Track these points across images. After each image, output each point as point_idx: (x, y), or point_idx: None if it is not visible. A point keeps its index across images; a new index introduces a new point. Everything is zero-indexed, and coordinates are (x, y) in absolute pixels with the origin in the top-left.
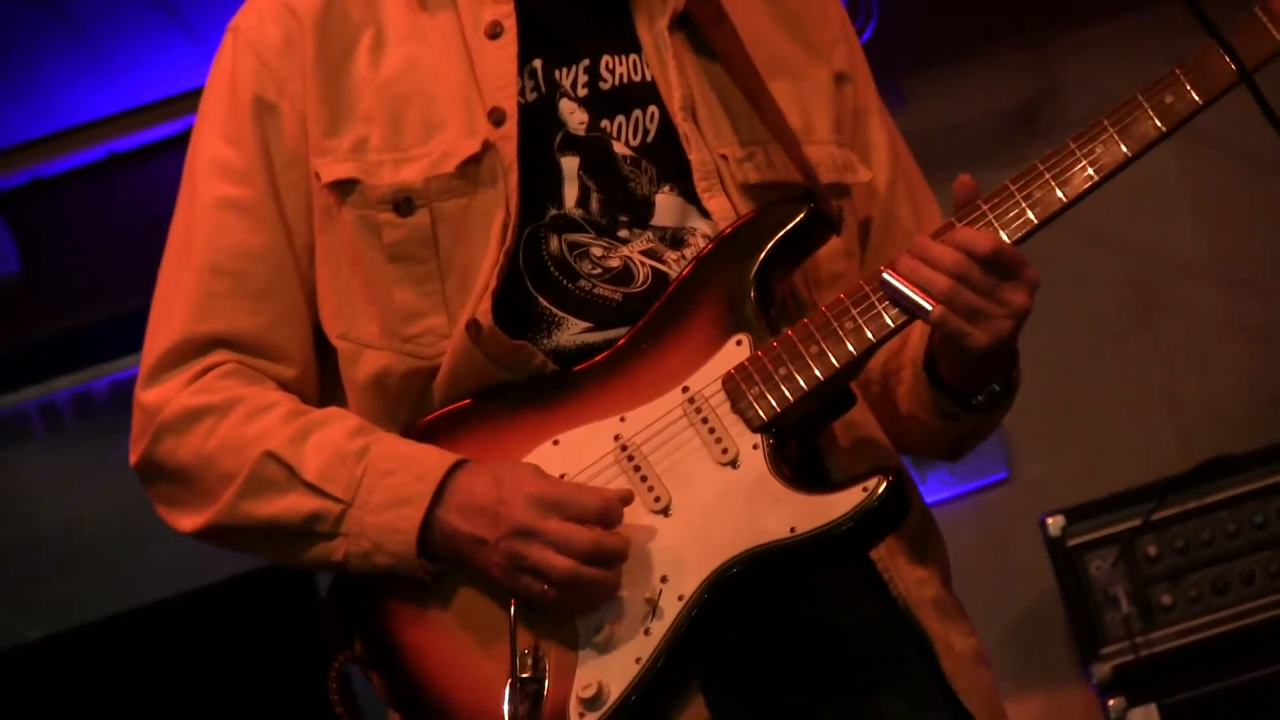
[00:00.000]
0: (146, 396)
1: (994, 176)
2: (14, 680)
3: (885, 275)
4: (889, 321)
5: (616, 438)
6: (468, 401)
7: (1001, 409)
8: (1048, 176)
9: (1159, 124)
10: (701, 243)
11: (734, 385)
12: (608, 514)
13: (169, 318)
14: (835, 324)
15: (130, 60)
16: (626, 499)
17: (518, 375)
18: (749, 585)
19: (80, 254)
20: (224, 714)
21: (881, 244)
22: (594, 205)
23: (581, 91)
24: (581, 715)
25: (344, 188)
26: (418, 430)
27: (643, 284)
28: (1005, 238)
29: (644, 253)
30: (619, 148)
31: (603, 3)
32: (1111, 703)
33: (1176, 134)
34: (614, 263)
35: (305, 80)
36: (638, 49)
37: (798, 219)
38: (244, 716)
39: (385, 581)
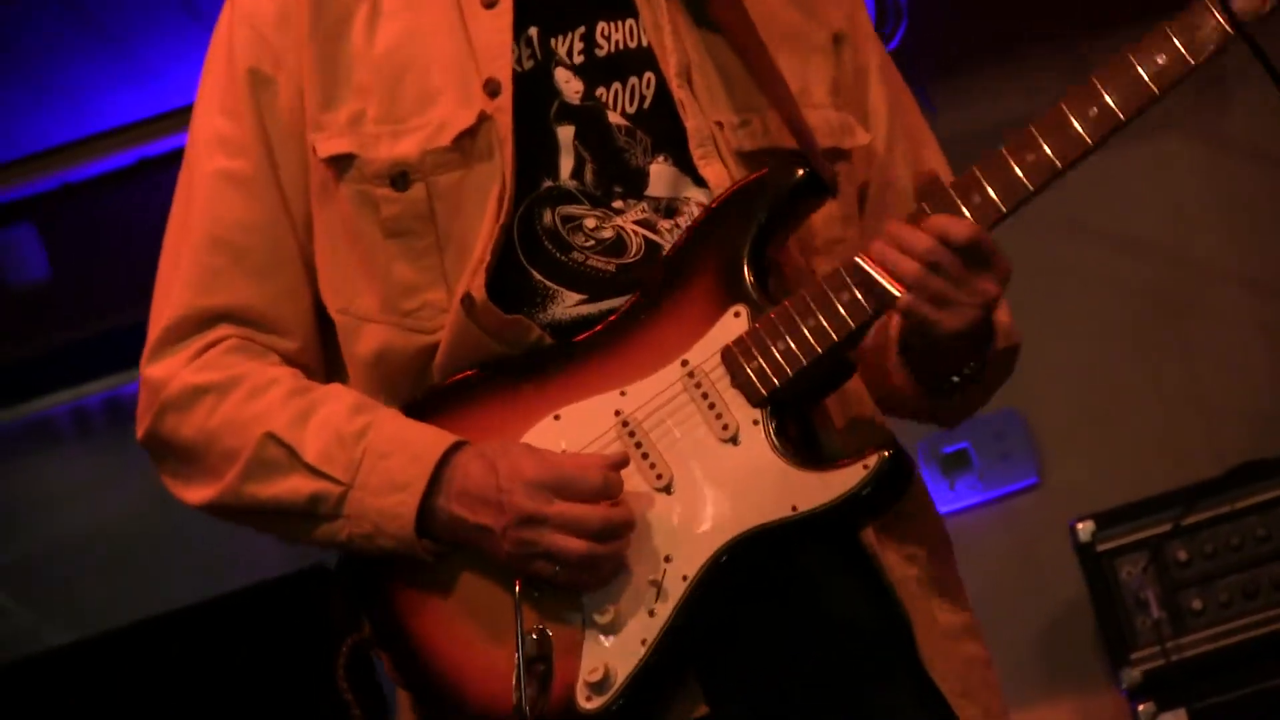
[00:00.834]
0: (151, 372)
1: None
2: (43, 685)
3: (857, 259)
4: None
5: (617, 413)
6: (467, 375)
7: (982, 387)
8: (1011, 161)
9: (1120, 113)
10: (696, 211)
11: (733, 359)
12: (608, 488)
13: (170, 293)
14: (833, 297)
15: (161, 65)
16: (622, 463)
17: (515, 349)
18: (752, 563)
19: (110, 259)
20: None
21: (879, 208)
22: (588, 176)
23: (578, 59)
24: (589, 699)
25: (341, 163)
26: (417, 405)
27: (636, 254)
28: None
29: (637, 223)
30: (614, 117)
31: None
32: (1141, 708)
33: (1203, 139)
34: (607, 233)
35: (301, 53)
36: (634, 14)
37: (792, 183)
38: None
39: (391, 561)
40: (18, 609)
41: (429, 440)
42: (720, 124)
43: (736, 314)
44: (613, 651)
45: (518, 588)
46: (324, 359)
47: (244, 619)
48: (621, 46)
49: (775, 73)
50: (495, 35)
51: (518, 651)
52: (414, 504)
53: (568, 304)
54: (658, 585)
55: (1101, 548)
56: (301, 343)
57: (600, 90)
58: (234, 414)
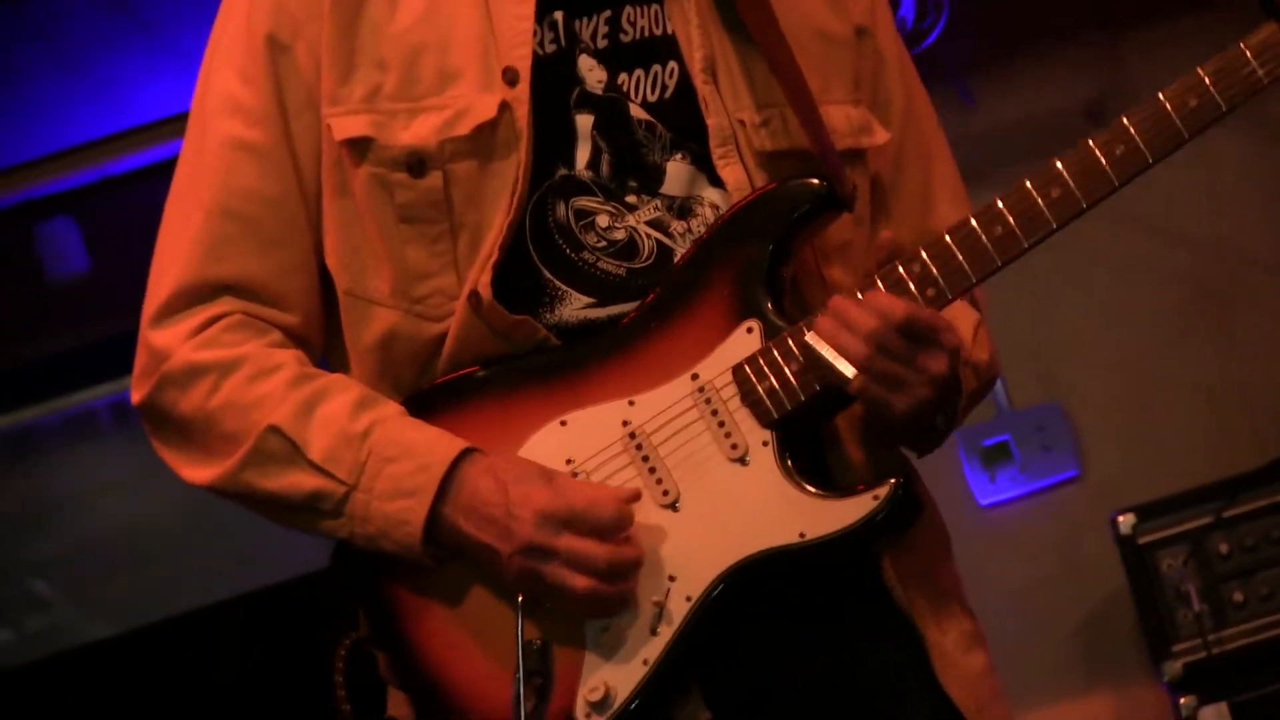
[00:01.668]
0: (153, 337)
1: None
2: (85, 678)
3: (807, 338)
4: None
5: (625, 423)
6: (472, 371)
7: (949, 430)
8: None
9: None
10: (709, 213)
11: (744, 377)
12: (621, 524)
13: (177, 255)
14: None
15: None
16: (635, 497)
17: (521, 349)
18: (755, 588)
19: (150, 252)
20: (289, 714)
21: (888, 205)
22: (604, 168)
23: (601, 43)
24: (588, 716)
25: (358, 146)
26: (420, 400)
27: (647, 259)
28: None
29: (650, 223)
30: (635, 110)
31: None
32: (1183, 701)
33: (1245, 128)
34: (619, 234)
35: (321, 24)
36: (660, 0)
37: (810, 201)
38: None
39: (392, 560)
40: (60, 602)
41: (437, 447)
42: (742, 122)
43: (749, 330)
44: (614, 670)
45: (520, 600)
46: (325, 337)
47: (283, 613)
48: (647, 33)
49: (797, 70)
50: (517, 22)
51: (518, 664)
52: (423, 513)
53: (575, 306)
54: (660, 605)
55: (1143, 540)
56: (303, 318)
57: (623, 76)
58: (235, 397)
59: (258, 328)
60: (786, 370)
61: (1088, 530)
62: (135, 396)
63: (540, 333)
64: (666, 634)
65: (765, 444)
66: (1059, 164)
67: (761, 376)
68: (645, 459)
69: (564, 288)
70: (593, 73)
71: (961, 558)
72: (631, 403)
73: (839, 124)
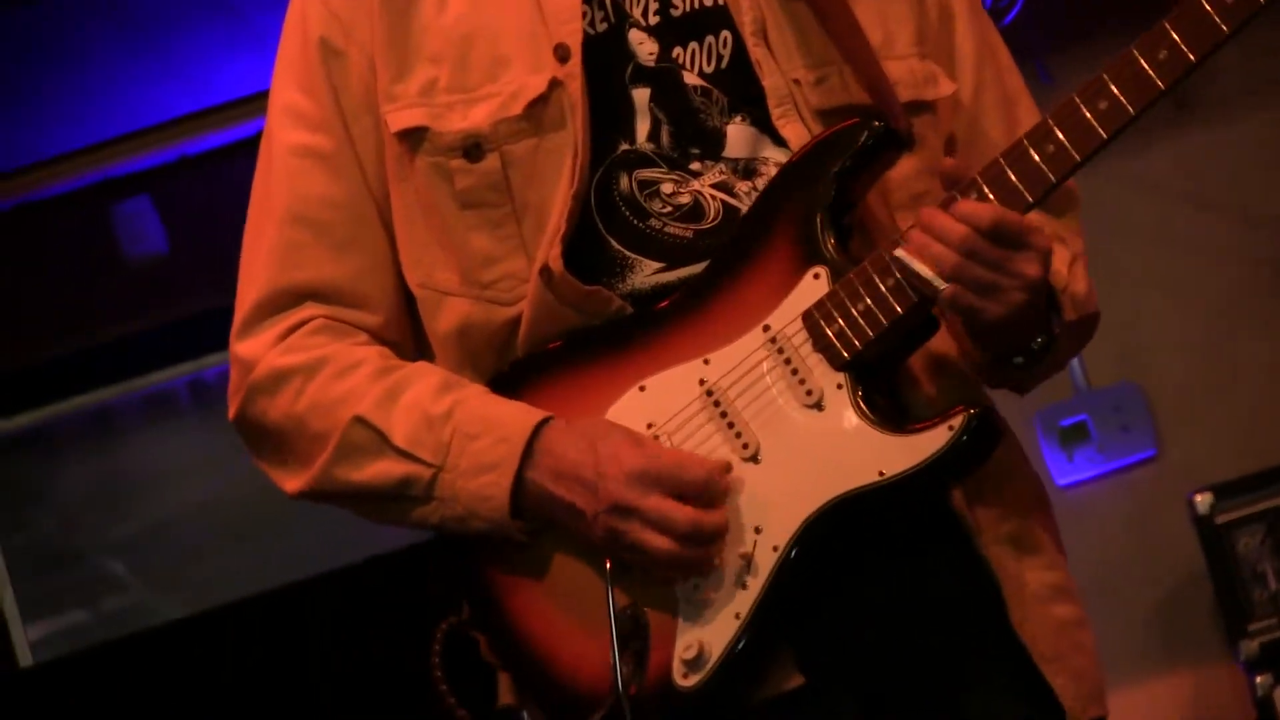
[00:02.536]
0: (240, 349)
1: (1143, 163)
2: (159, 658)
3: (897, 252)
4: None
5: (702, 382)
6: (550, 348)
7: (1053, 356)
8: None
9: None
10: (774, 171)
11: (814, 323)
12: (710, 487)
13: (255, 269)
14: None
15: (278, 36)
16: (727, 469)
17: (596, 319)
18: (842, 531)
19: (227, 231)
20: (369, 693)
21: (967, 160)
22: (664, 138)
23: (653, 19)
24: (685, 676)
25: (413, 136)
26: (503, 379)
27: (714, 219)
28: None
29: (715, 185)
30: (689, 78)
31: None
32: (1259, 679)
33: None
34: (684, 199)
35: (372, 24)
36: None
37: (865, 139)
38: (388, 695)
39: (486, 542)
40: (135, 582)
41: (517, 418)
42: (798, 81)
43: (816, 275)
44: (706, 627)
45: (609, 566)
46: (413, 333)
47: (360, 593)
48: (697, 5)
49: (853, 25)
50: (565, 0)
51: (611, 631)
52: (507, 485)
53: (646, 272)
54: (748, 558)
55: (1220, 520)
56: (387, 317)
57: (677, 50)
58: (320, 397)
59: (341, 330)
60: (854, 310)
61: (1165, 510)
62: (230, 413)
63: (615, 302)
64: (755, 587)
65: (840, 387)
66: (1105, 75)
67: (830, 320)
68: (724, 415)
69: (633, 256)
70: (643, 46)
71: None
72: (707, 361)
73: (902, 76)
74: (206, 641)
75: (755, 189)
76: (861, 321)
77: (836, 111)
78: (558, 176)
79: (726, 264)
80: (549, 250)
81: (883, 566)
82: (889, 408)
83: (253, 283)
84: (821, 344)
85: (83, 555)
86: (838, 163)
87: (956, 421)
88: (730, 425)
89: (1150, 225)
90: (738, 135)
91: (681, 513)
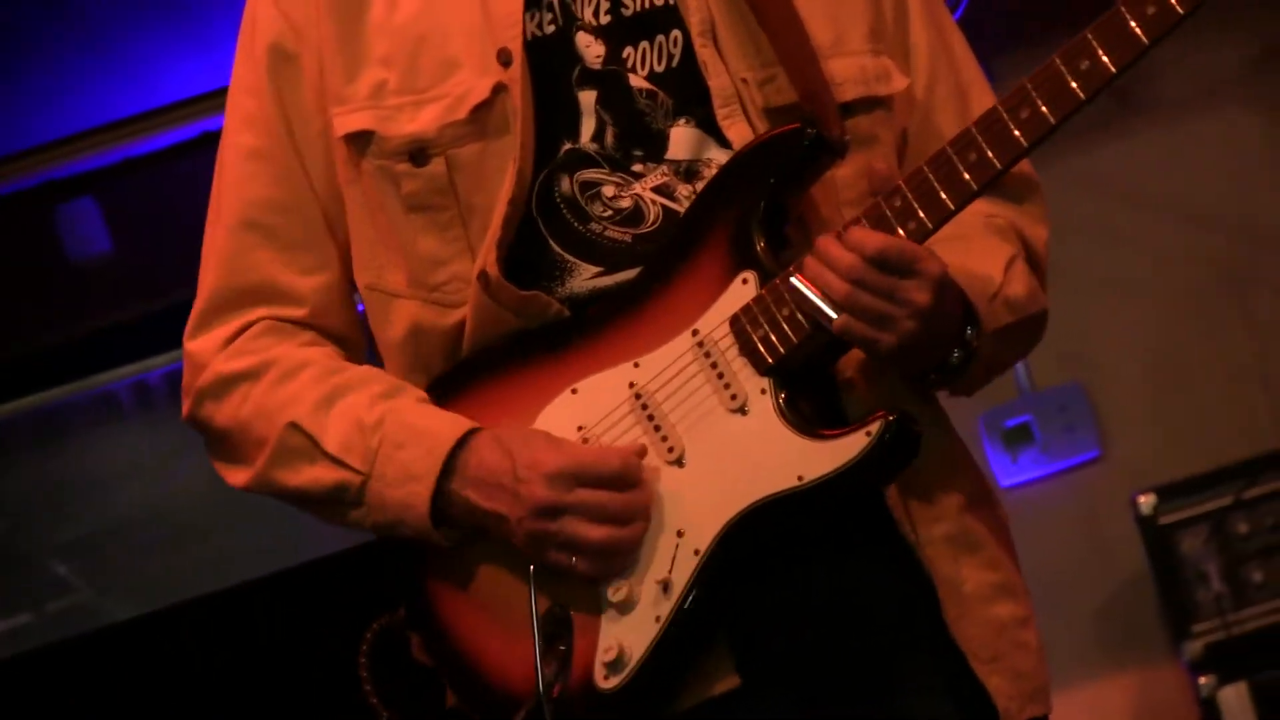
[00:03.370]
0: (190, 346)
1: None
2: (106, 660)
3: (792, 279)
4: None
5: (631, 385)
6: (489, 350)
7: (983, 365)
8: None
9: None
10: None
11: (740, 327)
12: (626, 473)
13: (206, 272)
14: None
15: (225, 37)
16: (641, 452)
17: (535, 323)
18: (762, 536)
19: (172, 233)
20: (318, 693)
21: (918, 156)
22: (609, 139)
23: (604, 19)
24: (606, 678)
25: (359, 140)
26: (441, 383)
27: (653, 224)
28: (902, 232)
29: (656, 189)
30: (636, 80)
31: None
32: (1203, 680)
33: (1267, 109)
34: (625, 203)
35: (322, 27)
36: None
37: (797, 147)
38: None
39: (419, 546)
40: (82, 583)
41: (443, 429)
42: (745, 80)
43: (745, 280)
44: (627, 629)
45: (532, 569)
46: (366, 333)
47: (306, 594)
48: (648, 5)
49: (793, 24)
50: (508, 5)
51: (533, 633)
52: (426, 495)
53: (584, 276)
54: (670, 561)
55: (1163, 520)
56: (337, 317)
57: (627, 50)
58: (264, 401)
59: (287, 331)
60: (778, 316)
61: (1109, 511)
62: (183, 411)
63: (552, 306)
64: (676, 590)
65: (763, 391)
66: (1027, 84)
67: (756, 325)
68: (650, 418)
69: (572, 259)
70: (590, 48)
71: None
72: (636, 364)
73: (852, 74)
74: (155, 642)
75: (695, 192)
76: (785, 326)
77: (786, 110)
78: (501, 180)
79: (661, 267)
80: (486, 256)
81: (821, 567)
82: (813, 412)
83: (204, 283)
84: (747, 349)
85: (29, 557)
86: (770, 169)
87: (874, 427)
88: (656, 428)
89: (1095, 225)
90: (681, 137)
91: (609, 498)
